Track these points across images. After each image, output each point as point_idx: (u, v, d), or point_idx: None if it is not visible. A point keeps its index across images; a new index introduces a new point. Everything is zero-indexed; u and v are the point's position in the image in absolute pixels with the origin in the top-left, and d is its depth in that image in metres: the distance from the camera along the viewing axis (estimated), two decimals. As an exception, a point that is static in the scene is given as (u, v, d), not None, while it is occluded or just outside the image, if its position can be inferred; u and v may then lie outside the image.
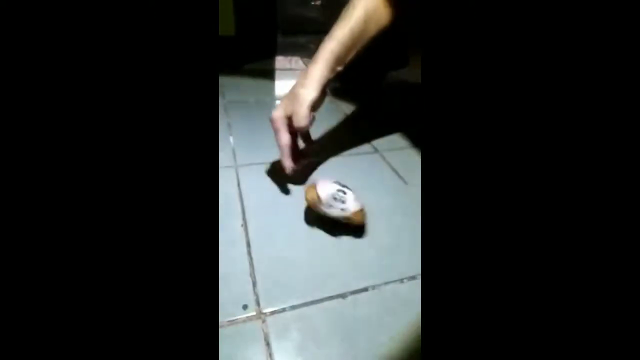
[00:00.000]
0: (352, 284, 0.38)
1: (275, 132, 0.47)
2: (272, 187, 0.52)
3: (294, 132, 0.47)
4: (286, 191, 0.51)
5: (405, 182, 0.57)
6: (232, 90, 0.87)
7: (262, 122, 0.71)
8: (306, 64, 1.14)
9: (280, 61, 1.13)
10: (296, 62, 1.14)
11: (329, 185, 0.43)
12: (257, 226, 0.44)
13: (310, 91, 0.44)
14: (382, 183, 0.56)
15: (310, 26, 1.44)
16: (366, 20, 0.48)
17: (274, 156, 0.58)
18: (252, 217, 0.46)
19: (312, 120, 0.45)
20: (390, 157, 0.64)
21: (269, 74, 1.03)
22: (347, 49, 0.46)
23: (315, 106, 0.46)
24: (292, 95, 0.45)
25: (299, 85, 0.45)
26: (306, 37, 1.40)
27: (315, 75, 0.45)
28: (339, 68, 0.48)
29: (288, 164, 0.48)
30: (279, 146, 0.47)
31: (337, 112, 0.81)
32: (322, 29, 0.54)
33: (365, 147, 0.67)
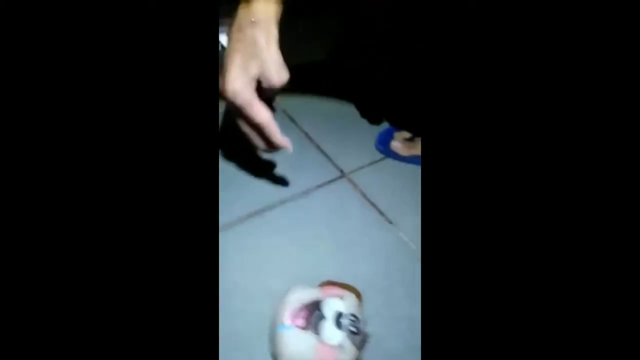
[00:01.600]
0: None
1: (244, 109, 0.32)
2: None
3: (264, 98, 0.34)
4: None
5: (390, 221, 0.48)
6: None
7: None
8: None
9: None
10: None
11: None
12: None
13: (267, 8, 0.31)
14: (362, 231, 0.46)
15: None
16: None
17: (258, 204, 0.46)
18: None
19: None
20: (363, 182, 0.52)
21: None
22: None
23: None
24: (246, 42, 0.31)
25: (243, 18, 0.31)
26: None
27: None
28: None
29: (286, 142, 0.36)
30: (260, 124, 0.33)
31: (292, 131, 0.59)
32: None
33: (327, 172, 0.52)
